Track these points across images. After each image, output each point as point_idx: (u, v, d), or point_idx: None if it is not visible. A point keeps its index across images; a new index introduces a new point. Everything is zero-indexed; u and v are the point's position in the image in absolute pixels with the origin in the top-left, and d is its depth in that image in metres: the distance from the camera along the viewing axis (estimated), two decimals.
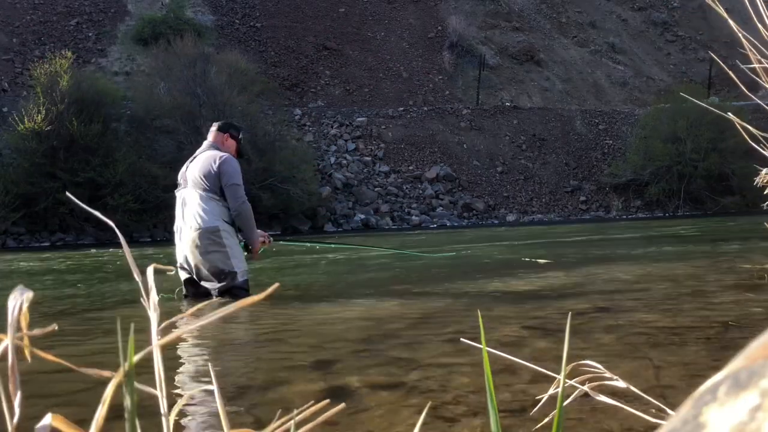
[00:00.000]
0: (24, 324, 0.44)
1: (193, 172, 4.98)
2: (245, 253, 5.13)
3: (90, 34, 28.37)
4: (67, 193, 0.64)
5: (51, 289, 6.86)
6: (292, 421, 0.54)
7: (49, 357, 0.47)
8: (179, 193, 5.08)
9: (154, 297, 0.50)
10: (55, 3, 28.83)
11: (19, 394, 0.44)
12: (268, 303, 4.78)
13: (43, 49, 25.93)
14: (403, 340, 3.16)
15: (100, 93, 20.85)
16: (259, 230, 5.20)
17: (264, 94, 23.87)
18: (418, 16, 34.39)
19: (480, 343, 0.72)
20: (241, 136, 5.32)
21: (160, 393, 0.49)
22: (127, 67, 27.18)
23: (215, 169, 4.90)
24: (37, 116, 19.13)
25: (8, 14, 27.41)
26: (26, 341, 0.44)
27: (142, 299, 0.53)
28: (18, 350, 0.44)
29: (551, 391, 0.96)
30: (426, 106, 29.29)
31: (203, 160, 5.00)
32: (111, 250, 14.72)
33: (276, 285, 0.56)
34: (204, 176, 4.91)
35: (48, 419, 0.44)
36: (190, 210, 4.94)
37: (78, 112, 19.55)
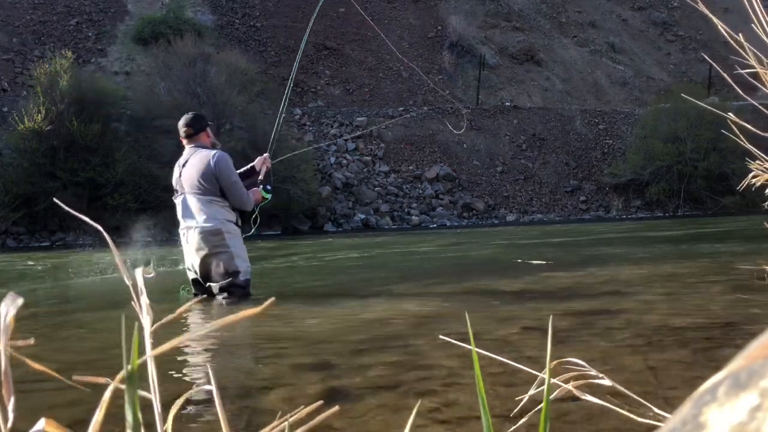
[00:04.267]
0: (9, 332, 0.43)
1: (189, 176, 4.92)
2: (267, 199, 5.25)
3: (90, 34, 28.36)
4: (55, 199, 0.64)
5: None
6: (286, 423, 0.54)
7: (37, 366, 0.46)
8: (178, 200, 5.02)
9: (145, 300, 0.50)
10: (55, 3, 28.82)
11: (12, 398, 0.44)
12: None
13: (43, 48, 25.92)
14: (402, 341, 3.16)
15: (100, 93, 20.83)
16: (260, 158, 5.40)
17: (264, 94, 23.86)
18: (418, 16, 34.38)
19: (472, 343, 0.72)
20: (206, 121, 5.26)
21: (155, 397, 0.49)
22: (127, 67, 27.17)
23: (212, 171, 4.86)
24: (37, 116, 19.11)
25: (8, 14, 27.40)
26: (9, 350, 0.44)
27: (132, 302, 0.52)
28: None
29: (531, 391, 0.96)
30: (426, 105, 29.28)
31: (196, 163, 4.92)
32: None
33: (271, 300, 0.55)
34: (202, 179, 4.87)
35: (41, 424, 0.43)
36: (192, 215, 4.91)
37: (78, 111, 19.54)
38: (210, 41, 28.12)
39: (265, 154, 5.51)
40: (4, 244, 18.75)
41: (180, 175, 4.99)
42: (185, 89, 21.34)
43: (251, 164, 5.46)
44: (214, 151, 4.99)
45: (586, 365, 0.89)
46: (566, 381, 0.88)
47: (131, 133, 21.22)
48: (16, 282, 7.96)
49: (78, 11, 28.97)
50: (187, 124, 5.06)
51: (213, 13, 31.18)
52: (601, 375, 0.88)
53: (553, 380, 0.88)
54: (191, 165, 4.94)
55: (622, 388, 0.98)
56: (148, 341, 0.47)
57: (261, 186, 5.25)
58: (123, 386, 0.46)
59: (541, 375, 0.87)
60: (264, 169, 5.36)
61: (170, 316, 0.51)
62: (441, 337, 1.31)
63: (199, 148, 5.00)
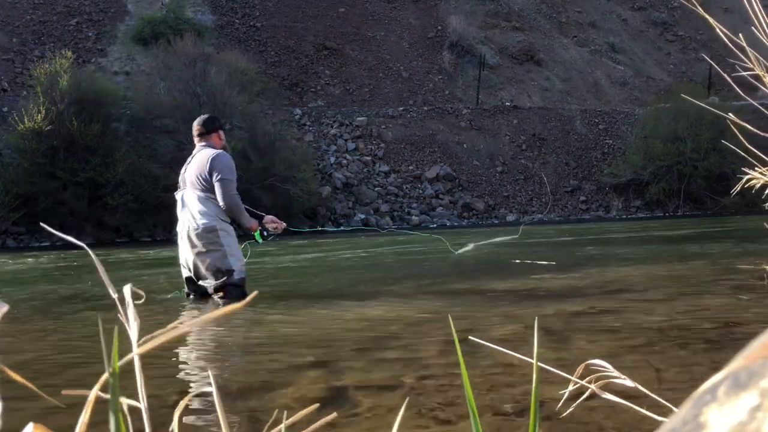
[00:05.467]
0: None
1: (190, 173, 5.05)
2: (255, 240, 5.18)
3: (90, 34, 28.35)
4: (42, 224, 0.64)
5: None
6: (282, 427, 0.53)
7: (17, 377, 0.46)
8: (178, 195, 5.13)
9: (132, 313, 0.50)
10: (55, 3, 28.81)
11: (0, 404, 0.43)
12: (266, 305, 4.78)
13: (43, 48, 25.91)
14: (402, 341, 3.16)
15: (100, 93, 20.81)
16: (270, 216, 5.28)
17: (264, 94, 23.84)
18: (418, 16, 34.37)
19: (487, 343, 0.72)
20: (221, 123, 5.36)
21: (143, 404, 0.49)
22: (127, 67, 27.16)
23: (208, 168, 4.94)
24: (37, 116, 19.10)
25: (8, 14, 27.39)
26: None
27: (119, 315, 0.52)
28: None
29: (568, 389, 0.96)
30: (426, 105, 29.27)
31: (198, 160, 5.05)
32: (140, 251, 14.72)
33: (254, 293, 0.55)
34: (199, 176, 4.97)
35: (29, 429, 0.43)
36: (188, 211, 5.00)
37: (78, 111, 19.52)
38: (210, 41, 28.12)
39: (284, 224, 5.40)
40: (4, 244, 18.76)
41: (184, 171, 5.13)
42: (185, 89, 21.32)
43: (262, 214, 5.39)
44: (218, 150, 5.06)
45: (609, 366, 0.90)
46: (589, 381, 0.89)
47: (131, 133, 21.21)
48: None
49: (78, 11, 28.96)
50: (200, 124, 5.23)
51: (213, 13, 31.17)
52: (623, 376, 0.88)
53: (577, 380, 0.88)
54: (194, 161, 5.08)
55: (645, 390, 0.99)
56: (136, 356, 0.47)
57: (260, 227, 5.19)
58: (105, 395, 0.45)
59: (575, 378, 0.88)
60: (271, 226, 5.27)
61: (160, 331, 0.50)
62: (470, 338, 1.31)
63: (207, 147, 5.11)
